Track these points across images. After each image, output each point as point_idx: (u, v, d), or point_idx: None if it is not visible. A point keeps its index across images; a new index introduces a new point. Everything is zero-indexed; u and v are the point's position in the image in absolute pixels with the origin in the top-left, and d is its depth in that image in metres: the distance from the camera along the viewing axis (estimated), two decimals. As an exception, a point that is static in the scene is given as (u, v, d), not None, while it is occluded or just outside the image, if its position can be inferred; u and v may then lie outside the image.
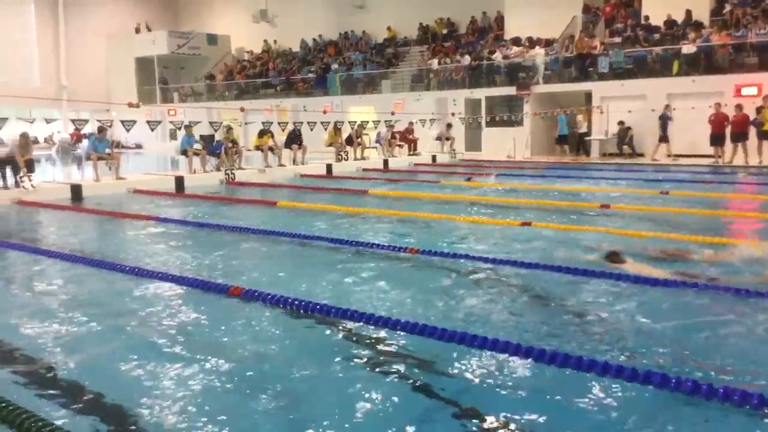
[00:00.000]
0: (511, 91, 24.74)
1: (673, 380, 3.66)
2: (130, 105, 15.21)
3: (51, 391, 3.85)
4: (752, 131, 18.24)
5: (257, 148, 18.50)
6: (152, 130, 17.53)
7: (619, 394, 3.68)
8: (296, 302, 5.29)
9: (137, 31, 39.37)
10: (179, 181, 14.96)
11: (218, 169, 16.62)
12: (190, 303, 5.66)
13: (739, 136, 18.43)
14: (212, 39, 39.10)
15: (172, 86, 37.95)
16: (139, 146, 34.44)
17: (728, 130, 18.62)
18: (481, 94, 25.77)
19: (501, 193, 13.64)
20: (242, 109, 22.24)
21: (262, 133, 18.43)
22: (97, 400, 3.72)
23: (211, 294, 5.82)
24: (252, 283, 6.11)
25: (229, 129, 17.69)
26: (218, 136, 18.04)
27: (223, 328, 4.94)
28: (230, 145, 16.99)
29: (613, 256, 6.71)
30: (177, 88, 37.76)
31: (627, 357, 4.22)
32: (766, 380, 3.89)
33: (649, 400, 3.62)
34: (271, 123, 18.95)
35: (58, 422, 3.28)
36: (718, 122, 18.70)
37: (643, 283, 5.89)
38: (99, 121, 16.05)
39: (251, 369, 4.15)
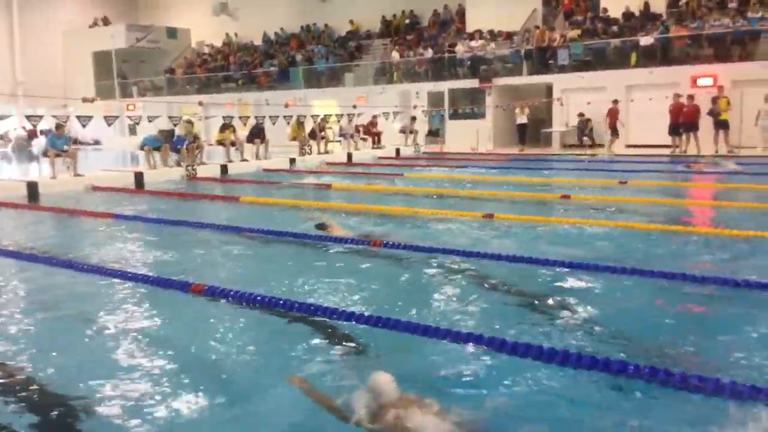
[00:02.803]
0: (473, 83, 24.89)
1: (632, 367, 3.73)
2: (85, 100, 14.87)
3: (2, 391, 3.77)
4: (705, 121, 18.62)
5: (219, 142, 18.29)
6: (109, 125, 17.17)
7: (578, 382, 3.74)
8: (259, 298, 5.25)
9: (94, 24, 38.53)
10: (139, 177, 14.71)
11: (179, 165, 16.39)
12: (151, 301, 5.58)
13: (690, 127, 18.82)
14: (172, 32, 38.46)
15: (131, 81, 37.25)
16: (97, 142, 33.74)
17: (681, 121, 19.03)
18: (444, 86, 25.86)
19: (464, 186, 13.72)
20: (201, 103, 21.93)
21: (223, 128, 18.21)
22: (52, 398, 3.65)
23: (171, 291, 5.75)
24: (215, 279, 6.05)
25: (190, 123, 17.45)
26: (178, 131, 17.76)
27: (184, 325, 4.89)
28: (192, 140, 16.76)
29: (322, 226, 8.17)
30: (136, 82, 37.09)
31: (586, 344, 4.30)
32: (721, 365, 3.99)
33: (612, 387, 3.68)
34: (233, 117, 18.73)
35: (4, 421, 3.22)
36: (676, 112, 19.07)
37: (610, 272, 5.99)
38: (54, 117, 15.67)
39: (212, 366, 4.11)
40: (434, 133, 24.88)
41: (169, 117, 18.41)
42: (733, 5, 21.47)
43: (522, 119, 23.25)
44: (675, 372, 3.63)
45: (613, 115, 20.48)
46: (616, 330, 4.62)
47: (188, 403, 3.60)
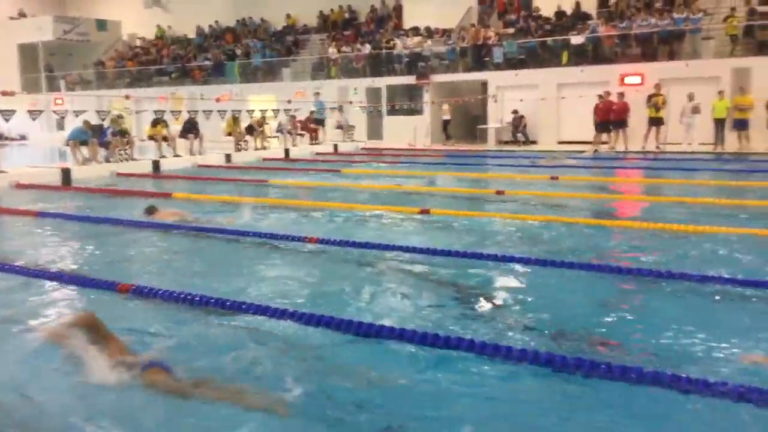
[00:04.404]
0: (410, 80, 25.02)
1: (559, 358, 3.81)
2: (5, 93, 14.24)
3: None
4: (634, 118, 19.25)
5: (150, 137, 17.83)
6: (33, 119, 16.54)
7: (510, 374, 3.79)
8: (189, 296, 5.13)
9: (19, 16, 36.96)
10: (66, 174, 14.19)
11: (108, 161, 15.91)
12: (75, 301, 5.40)
13: (620, 124, 19.41)
14: (102, 25, 37.27)
15: (58, 74, 35.94)
16: (23, 137, 32.39)
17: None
18: (382, 83, 25.91)
19: (402, 181, 13.77)
20: (128, 97, 21.34)
21: (155, 122, 17.76)
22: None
23: (97, 291, 5.56)
24: (144, 278, 5.89)
25: (120, 118, 16.96)
26: (107, 125, 17.23)
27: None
28: (119, 134, 16.28)
29: (151, 210, 8.71)
30: (64, 75, 35.80)
31: (519, 338, 4.37)
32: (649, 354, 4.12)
33: (542, 379, 3.75)
34: (164, 112, 18.29)
35: None
36: (604, 110, 19.62)
37: (540, 264, 6.11)
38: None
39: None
40: (319, 122, 23.82)
41: (97, 111, 17.85)
42: (659, 6, 22.26)
43: (446, 116, 23.70)
44: (600, 362, 3.72)
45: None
46: (546, 322, 4.71)
47: (105, 405, 3.49)
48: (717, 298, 5.16)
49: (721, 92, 18.34)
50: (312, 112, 23.41)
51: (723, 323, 4.61)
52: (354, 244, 7.14)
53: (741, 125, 17.97)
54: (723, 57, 20.08)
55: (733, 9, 20.56)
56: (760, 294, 5.18)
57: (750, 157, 16.91)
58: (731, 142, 18.30)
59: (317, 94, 24.07)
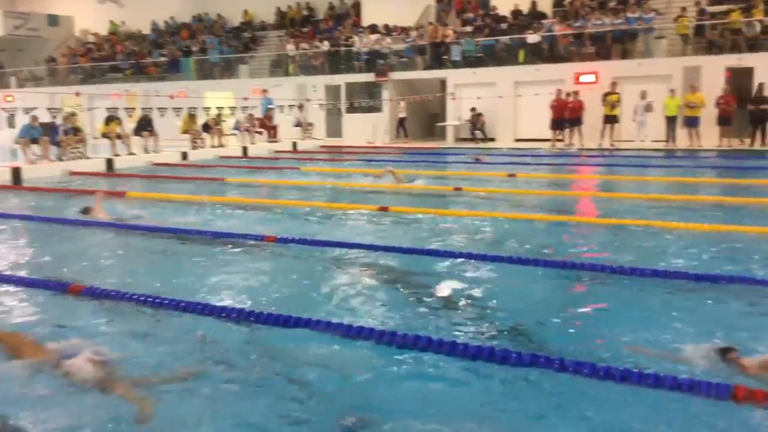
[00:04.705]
0: (369, 77, 25.00)
1: (514, 354, 3.85)
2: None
3: None
4: (589, 116, 19.58)
5: (104, 135, 17.46)
6: (-21, 117, 16.06)
7: (475, 373, 3.82)
8: (142, 298, 5.04)
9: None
10: (16, 173, 13.80)
11: (60, 159, 15.53)
12: (25, 303, 5.26)
13: (575, 121, 19.74)
14: (53, 20, 36.35)
15: (9, 70, 34.93)
16: (-30, 135, 31.40)
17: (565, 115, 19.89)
18: (341, 80, 25.83)
19: (361, 179, 13.76)
20: (77, 94, 20.85)
21: (109, 120, 17.40)
22: None
23: (48, 293, 5.42)
24: (96, 279, 5.76)
25: (73, 115, 16.57)
26: (59, 123, 16.82)
27: (60, 328, 4.62)
28: (71, 132, 15.90)
29: (86, 210, 8.55)
30: (14, 72, 34.80)
31: (477, 335, 4.41)
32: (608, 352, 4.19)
33: (506, 378, 3.79)
34: (118, 109, 17.93)
35: None
36: (558, 108, 19.92)
37: (499, 261, 6.17)
38: None
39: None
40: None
41: (49, 109, 17.41)
42: (612, 5, 22.67)
43: (402, 113, 23.81)
44: (554, 357, 3.78)
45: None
46: (503, 318, 4.76)
47: (52, 410, 3.41)
48: (668, 292, 5.29)
49: (672, 90, 18.78)
50: (270, 109, 23.20)
51: (673, 317, 4.71)
52: (312, 243, 7.11)
53: (692, 123, 18.42)
54: (674, 56, 20.56)
55: (683, 9, 21.07)
56: (709, 287, 5.32)
57: (700, 154, 17.35)
58: (682, 139, 18.75)
59: (265, 91, 23.78)
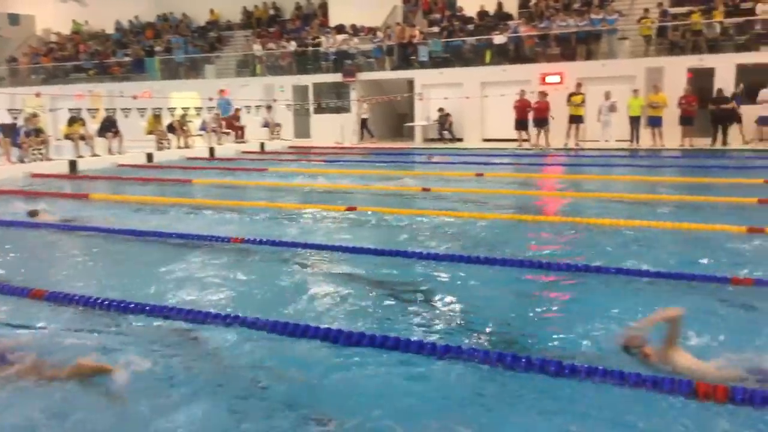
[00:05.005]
0: (337, 78, 24.95)
1: (481, 353, 3.88)
2: None
3: None
4: (556, 116, 19.82)
5: (67, 137, 17.14)
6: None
7: (445, 372, 3.83)
8: (106, 302, 4.96)
9: None
10: (-25, 175, 13.50)
11: (22, 161, 15.21)
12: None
13: (541, 122, 19.96)
14: (14, 19, 35.54)
15: (-34, 70, 34.09)
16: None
17: (531, 116, 20.08)
18: (309, 80, 25.73)
19: (329, 179, 13.72)
20: (38, 95, 20.44)
21: (71, 121, 17.07)
22: None
23: (9, 298, 5.30)
24: (59, 284, 5.65)
25: (35, 116, 16.23)
26: (21, 125, 16.46)
27: (22, 333, 4.52)
28: (33, 133, 15.58)
29: (33, 213, 8.73)
30: (-28, 72, 33.97)
31: (444, 334, 4.43)
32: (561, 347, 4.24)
33: (471, 376, 3.81)
34: (81, 109, 17.62)
35: None
36: (521, 108, 20.12)
37: (464, 261, 6.20)
38: None
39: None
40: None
41: (9, 110, 17.04)
42: (577, 7, 22.96)
43: (365, 114, 23.86)
44: (521, 356, 3.81)
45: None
46: (470, 317, 4.79)
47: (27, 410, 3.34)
48: (634, 289, 5.37)
49: (635, 91, 19.08)
50: (238, 110, 23.00)
51: (634, 314, 4.79)
52: (280, 244, 7.08)
53: (655, 122, 18.74)
54: (637, 57, 20.89)
55: (646, 11, 21.42)
56: (672, 284, 5.42)
57: (663, 153, 17.67)
58: (646, 138, 19.07)
59: (222, 91, 23.50)
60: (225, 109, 22.63)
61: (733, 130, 18.43)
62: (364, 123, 24.06)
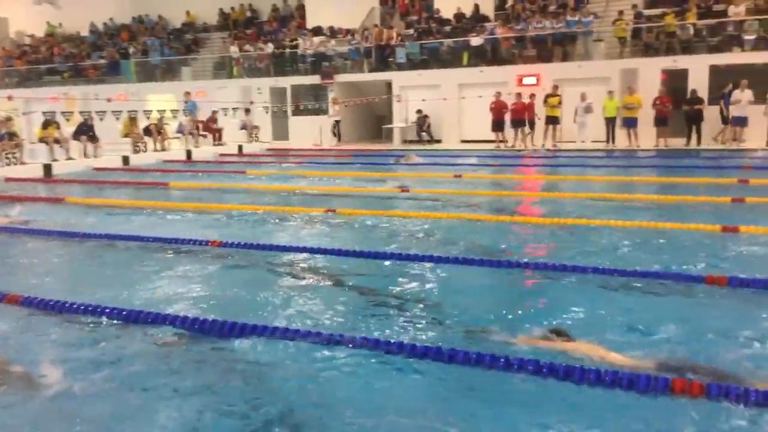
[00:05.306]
0: (315, 79, 24.91)
1: (462, 354, 3.90)
2: None
3: None
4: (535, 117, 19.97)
5: (41, 140, 16.92)
6: None
7: (424, 373, 3.85)
8: (82, 307, 4.91)
9: None
10: (-53, 180, 13.28)
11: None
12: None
13: (518, 123, 20.10)
14: (-14, 21, 35.04)
15: (-63, 73, 33.50)
16: None
17: (507, 117, 20.22)
18: (286, 82, 25.67)
19: (308, 182, 13.69)
20: (10, 98, 20.16)
21: (46, 124, 16.87)
22: None
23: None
24: (34, 289, 5.58)
25: (8, 120, 16.01)
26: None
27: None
28: (7, 137, 15.36)
29: None
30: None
31: (423, 335, 4.44)
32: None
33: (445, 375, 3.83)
34: (55, 113, 17.40)
35: None
36: (497, 110, 20.25)
37: (443, 262, 6.23)
38: None
39: (30, 380, 3.79)
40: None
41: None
42: (553, 9, 23.15)
43: (337, 116, 23.84)
44: (499, 356, 3.84)
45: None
46: (449, 317, 4.82)
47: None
48: (609, 288, 5.43)
49: (611, 92, 19.29)
50: (215, 112, 22.84)
51: (610, 312, 4.85)
52: (258, 247, 7.05)
53: (630, 123, 18.96)
54: (612, 58, 21.10)
55: (620, 13, 21.65)
56: (647, 282, 5.49)
57: (638, 154, 17.87)
58: (621, 139, 19.28)
59: (188, 93, 23.31)
60: (192, 112, 22.31)
61: (707, 130, 18.76)
62: (335, 125, 23.91)
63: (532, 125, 20.11)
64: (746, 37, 19.44)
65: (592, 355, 3.87)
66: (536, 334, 4.22)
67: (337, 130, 23.91)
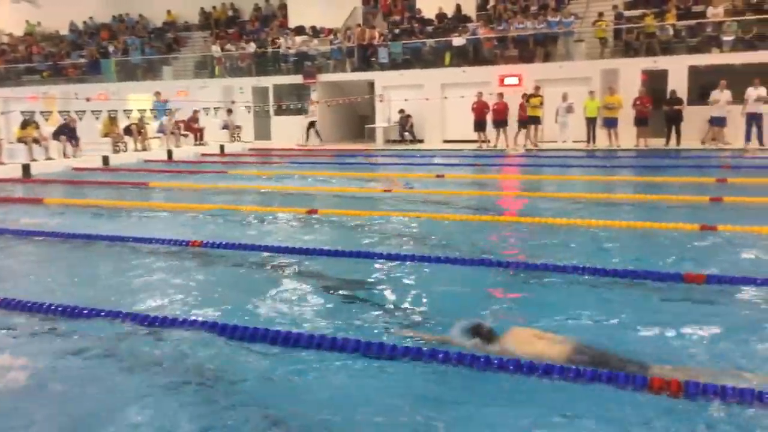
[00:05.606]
0: (297, 79, 24.84)
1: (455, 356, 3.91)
2: None
3: None
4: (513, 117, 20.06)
5: (20, 140, 16.73)
6: None
7: (407, 373, 3.85)
8: (60, 308, 4.85)
9: None
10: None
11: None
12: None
13: (500, 123, 20.18)
14: (-36, 20, 34.53)
15: None
16: None
17: (489, 117, 20.29)
18: (269, 82, 25.57)
19: (290, 182, 13.65)
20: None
21: (25, 124, 16.67)
22: None
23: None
24: (14, 291, 5.51)
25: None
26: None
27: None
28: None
29: None
30: None
31: (404, 334, 4.45)
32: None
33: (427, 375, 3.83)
34: (34, 112, 17.21)
35: None
36: (479, 110, 20.32)
37: (425, 261, 6.24)
38: None
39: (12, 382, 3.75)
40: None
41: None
42: (534, 10, 23.28)
43: (313, 117, 23.77)
44: (480, 355, 3.85)
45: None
46: (431, 317, 4.82)
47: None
48: (590, 286, 5.47)
49: (591, 92, 19.42)
50: (196, 111, 22.69)
51: (591, 311, 4.88)
52: (239, 247, 7.02)
53: (610, 123, 19.09)
54: (593, 59, 21.24)
55: (600, 14, 21.82)
56: (627, 281, 5.53)
57: (618, 153, 18.01)
58: (602, 139, 19.42)
59: (158, 93, 23.07)
60: (161, 113, 22.08)
61: (686, 130, 18.94)
62: (310, 126, 23.79)
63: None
64: (725, 38, 19.66)
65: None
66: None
67: (314, 130, 23.71)
